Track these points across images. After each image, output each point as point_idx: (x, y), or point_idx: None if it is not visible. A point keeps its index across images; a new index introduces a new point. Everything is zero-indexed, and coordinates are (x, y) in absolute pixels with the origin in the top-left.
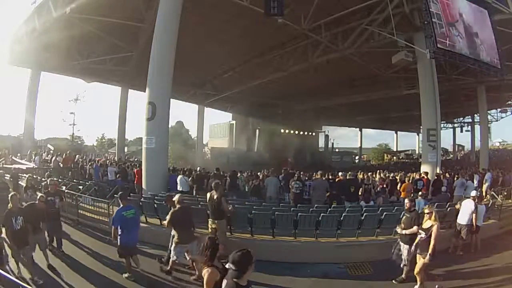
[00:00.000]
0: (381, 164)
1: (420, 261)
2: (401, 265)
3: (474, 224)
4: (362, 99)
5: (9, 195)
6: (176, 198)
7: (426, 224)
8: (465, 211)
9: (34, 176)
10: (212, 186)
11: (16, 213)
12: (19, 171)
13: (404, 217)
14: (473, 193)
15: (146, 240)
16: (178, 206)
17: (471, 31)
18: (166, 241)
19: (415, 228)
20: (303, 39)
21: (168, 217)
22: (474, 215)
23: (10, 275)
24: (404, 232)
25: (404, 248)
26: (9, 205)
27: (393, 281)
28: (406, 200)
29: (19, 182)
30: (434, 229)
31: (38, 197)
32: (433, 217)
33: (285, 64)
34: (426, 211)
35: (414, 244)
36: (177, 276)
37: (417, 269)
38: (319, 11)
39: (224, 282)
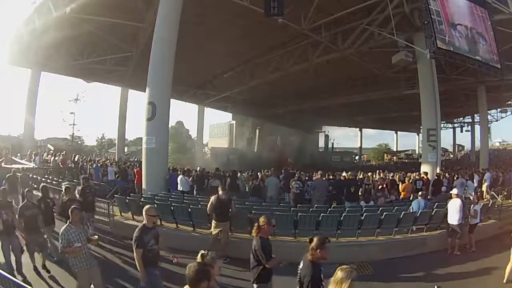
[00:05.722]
0: (381, 164)
1: None
2: None
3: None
4: (362, 99)
5: (146, 208)
6: None
7: None
8: (453, 210)
9: (34, 176)
10: (219, 187)
11: (153, 231)
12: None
13: None
14: (455, 191)
15: None
16: None
17: (471, 31)
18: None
19: None
20: (303, 39)
21: None
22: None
23: None
24: None
25: None
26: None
27: None
28: None
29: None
30: None
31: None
32: None
33: (285, 64)
34: None
35: None
36: None
37: None
38: (319, 11)
39: None
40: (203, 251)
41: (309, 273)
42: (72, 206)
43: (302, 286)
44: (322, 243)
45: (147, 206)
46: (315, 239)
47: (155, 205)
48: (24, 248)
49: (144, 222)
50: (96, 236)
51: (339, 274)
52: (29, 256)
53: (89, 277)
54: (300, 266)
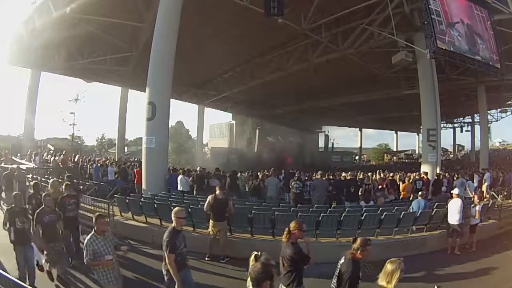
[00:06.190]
0: (381, 164)
1: None
2: None
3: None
4: (362, 99)
5: (176, 210)
6: None
7: None
8: (454, 210)
9: (34, 176)
10: (217, 186)
11: (181, 233)
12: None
13: None
14: (455, 191)
15: (148, 241)
16: None
17: (471, 31)
18: None
19: None
20: (303, 39)
21: None
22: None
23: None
24: None
25: None
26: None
27: None
28: None
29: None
30: None
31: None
32: None
33: (285, 64)
34: None
35: None
36: None
37: None
38: (319, 11)
39: None
40: (256, 252)
41: (349, 269)
42: (97, 214)
43: (340, 280)
44: (364, 245)
45: (176, 208)
46: (358, 240)
47: (155, 205)
48: (43, 260)
49: (173, 225)
50: (126, 247)
51: (389, 266)
52: (48, 265)
53: None
54: (341, 262)
